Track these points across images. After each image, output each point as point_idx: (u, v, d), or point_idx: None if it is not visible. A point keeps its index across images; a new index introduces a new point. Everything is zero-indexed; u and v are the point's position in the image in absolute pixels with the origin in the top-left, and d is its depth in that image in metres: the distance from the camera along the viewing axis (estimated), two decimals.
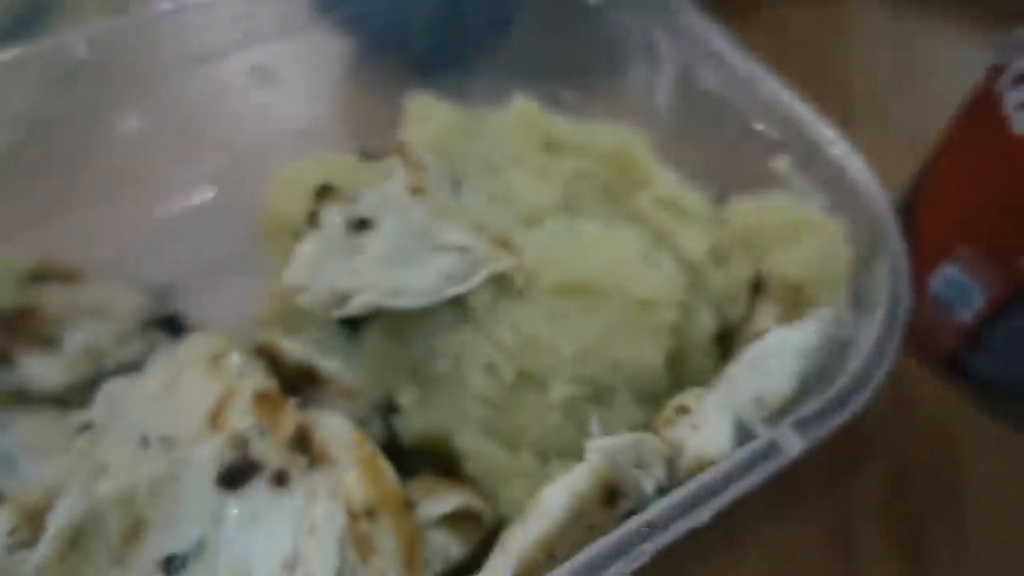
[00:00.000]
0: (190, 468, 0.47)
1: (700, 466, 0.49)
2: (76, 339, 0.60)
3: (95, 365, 0.59)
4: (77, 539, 0.43)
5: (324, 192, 0.57)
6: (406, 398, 0.57)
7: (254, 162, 0.70)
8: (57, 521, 0.43)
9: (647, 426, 0.53)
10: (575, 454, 0.54)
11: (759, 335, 0.59)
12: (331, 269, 0.54)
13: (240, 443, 0.48)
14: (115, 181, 0.69)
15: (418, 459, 0.57)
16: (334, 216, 0.56)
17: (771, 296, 0.61)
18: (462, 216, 0.57)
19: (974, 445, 0.65)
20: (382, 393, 0.59)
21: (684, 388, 0.56)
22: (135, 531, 0.45)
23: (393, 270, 0.54)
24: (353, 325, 0.54)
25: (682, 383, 0.57)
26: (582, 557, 0.43)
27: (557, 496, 0.45)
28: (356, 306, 0.52)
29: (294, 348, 0.59)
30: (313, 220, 0.56)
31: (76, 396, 0.59)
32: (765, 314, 0.61)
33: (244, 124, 0.74)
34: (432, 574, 0.49)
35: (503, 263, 0.55)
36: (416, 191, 0.57)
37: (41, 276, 0.63)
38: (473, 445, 0.55)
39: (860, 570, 0.60)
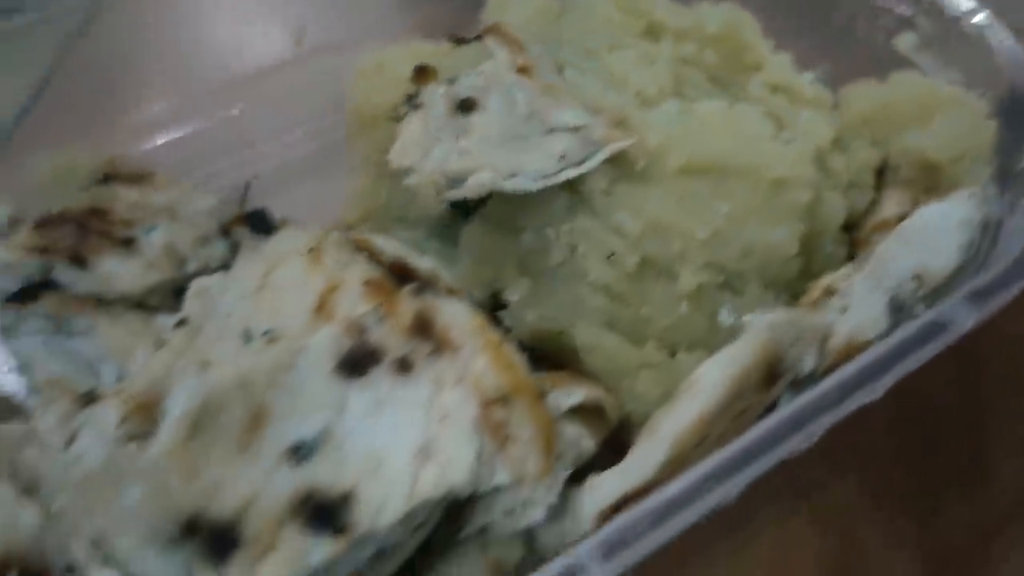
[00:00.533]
0: (307, 356, 0.43)
1: (852, 348, 0.46)
2: (154, 240, 0.55)
3: (175, 267, 0.55)
4: (197, 427, 0.39)
5: (423, 72, 0.52)
6: (517, 292, 0.53)
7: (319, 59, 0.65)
8: (176, 408, 0.39)
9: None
10: (707, 345, 0.51)
11: (889, 223, 0.55)
12: (440, 150, 0.49)
13: (358, 330, 0.44)
14: (179, 81, 0.64)
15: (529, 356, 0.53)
16: (436, 96, 0.51)
17: (901, 181, 0.57)
18: (573, 96, 0.53)
19: None
20: (484, 290, 0.55)
21: (814, 277, 0.52)
22: (256, 420, 0.41)
23: (504, 151, 0.50)
24: (464, 210, 0.50)
25: (812, 272, 0.53)
26: (753, 434, 0.39)
27: (717, 373, 0.41)
28: (472, 187, 0.48)
29: (388, 245, 0.55)
30: (414, 101, 0.51)
31: (156, 300, 0.55)
32: (894, 200, 0.57)
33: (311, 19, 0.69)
34: (565, 467, 0.46)
35: (623, 142, 0.50)
36: (522, 70, 0.53)
37: (110, 177, 0.59)
38: (593, 338, 0.51)
39: None
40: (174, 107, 0.65)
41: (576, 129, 0.51)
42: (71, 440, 0.43)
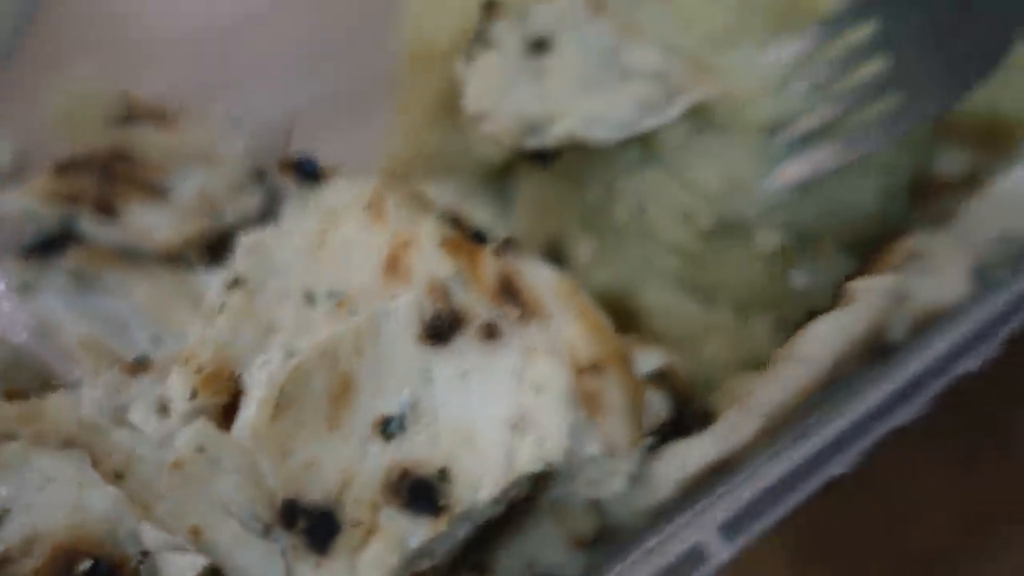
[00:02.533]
0: (389, 322, 0.40)
1: (934, 314, 0.45)
2: (187, 187, 0.51)
3: (211, 218, 0.51)
4: (285, 402, 0.36)
5: (493, 6, 0.48)
6: (583, 250, 0.50)
7: None
8: (263, 381, 0.36)
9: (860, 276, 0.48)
10: (777, 308, 0.50)
11: (950, 182, 0.54)
12: (516, 94, 0.46)
13: (442, 293, 0.41)
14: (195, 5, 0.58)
15: None
16: (508, 34, 0.47)
17: (962, 139, 0.55)
18: (649, 36, 0.49)
19: None
20: (542, 246, 0.52)
21: (885, 238, 0.51)
22: (343, 392, 0.38)
23: (585, 96, 0.46)
24: (544, 159, 0.47)
25: (883, 233, 0.52)
26: (863, 404, 0.38)
27: (829, 339, 0.40)
28: (555, 135, 0.45)
29: (441, 195, 0.52)
30: (483, 39, 0.47)
31: (192, 254, 0.51)
32: (952, 159, 0.56)
33: None
34: (647, 435, 0.44)
35: (707, 90, 0.47)
36: (597, 6, 0.49)
37: (133, 116, 0.53)
38: (664, 301, 0.49)
39: None
40: (187, 37, 0.58)
41: (656, 74, 0.48)
42: (122, 413, 0.40)
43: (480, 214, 0.53)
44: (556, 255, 0.52)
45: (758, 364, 0.46)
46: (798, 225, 0.49)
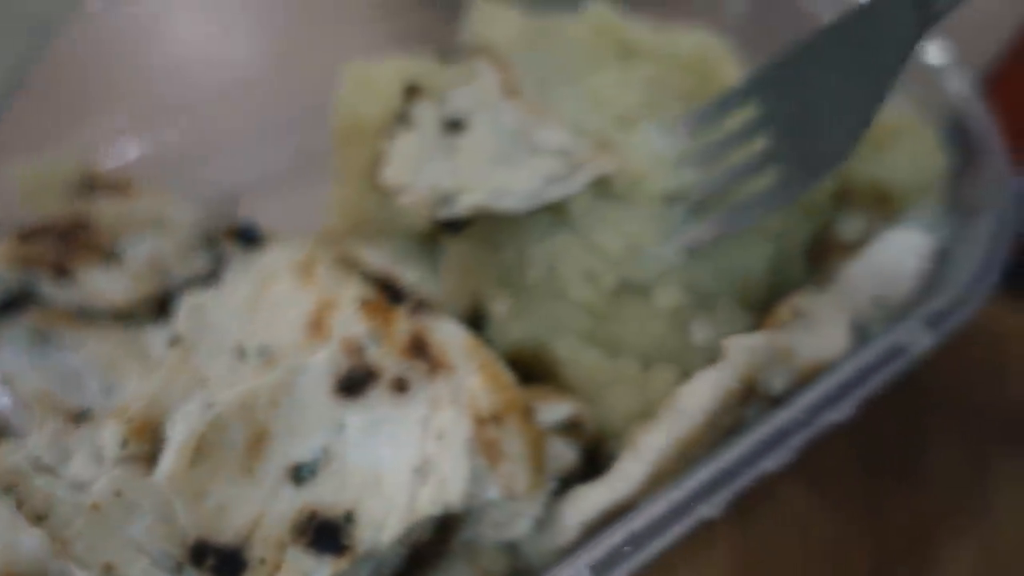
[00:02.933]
0: (305, 377, 0.44)
1: (817, 367, 0.49)
2: (139, 252, 0.55)
3: (161, 279, 0.55)
4: (202, 449, 0.40)
5: (414, 90, 0.53)
6: (500, 307, 0.55)
7: (298, 68, 0.65)
8: (182, 430, 0.40)
9: (751, 332, 0.53)
10: (679, 360, 0.53)
11: (845, 245, 0.59)
12: (431, 169, 0.51)
13: (355, 350, 0.45)
14: (154, 90, 0.63)
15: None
16: (427, 116, 0.52)
17: (855, 205, 0.60)
18: (557, 117, 0.54)
19: None
20: (465, 303, 0.57)
21: (779, 295, 0.55)
22: (258, 441, 0.42)
23: (494, 171, 0.51)
24: (455, 227, 0.52)
25: (779, 292, 0.56)
26: (735, 452, 0.42)
27: (702, 394, 0.44)
28: (464, 205, 0.49)
29: (375, 258, 0.56)
30: (405, 119, 0.52)
31: (142, 313, 0.55)
32: (849, 224, 0.60)
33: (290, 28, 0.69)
34: (550, 480, 0.48)
35: (606, 165, 0.52)
36: (510, 91, 0.54)
37: (90, 186, 0.58)
38: (573, 353, 0.53)
39: None
40: (149, 116, 0.64)
41: (561, 151, 0.53)
42: (65, 460, 0.43)
43: (410, 274, 0.57)
44: (478, 312, 0.56)
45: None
46: (695, 285, 0.54)
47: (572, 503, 0.48)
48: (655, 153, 0.54)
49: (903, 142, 0.59)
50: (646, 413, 0.51)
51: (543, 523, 0.48)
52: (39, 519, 0.36)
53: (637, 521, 0.40)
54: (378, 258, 0.56)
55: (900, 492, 0.62)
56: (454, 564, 0.48)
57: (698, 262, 0.53)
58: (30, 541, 0.39)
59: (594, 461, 0.54)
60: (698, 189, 0.53)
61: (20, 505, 0.36)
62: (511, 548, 0.49)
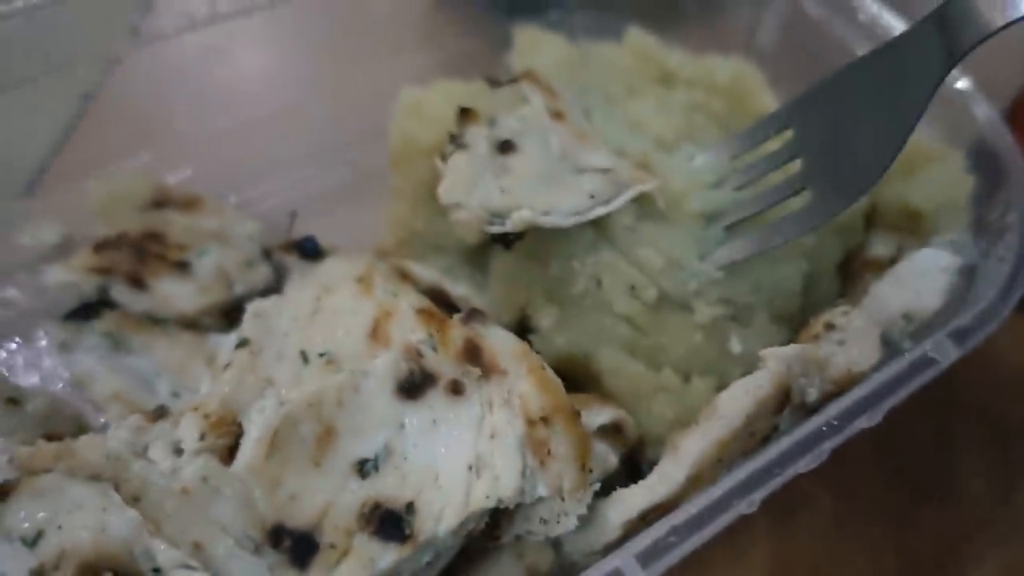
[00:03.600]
0: (369, 379, 0.47)
1: (850, 379, 0.51)
2: (206, 263, 0.59)
3: (226, 289, 0.59)
4: (276, 443, 0.43)
5: (467, 114, 0.57)
6: (546, 319, 0.58)
7: (352, 93, 0.69)
8: (259, 425, 0.43)
9: (786, 345, 0.55)
10: (716, 371, 0.56)
11: (877, 262, 0.61)
12: (483, 187, 0.54)
13: (415, 355, 0.48)
14: (217, 112, 0.68)
15: None
16: (479, 137, 0.56)
17: (887, 225, 0.63)
18: (601, 140, 0.58)
19: None
20: (512, 315, 0.60)
21: (813, 309, 0.58)
22: (326, 437, 0.45)
23: (542, 190, 0.55)
24: (505, 242, 0.55)
25: (812, 306, 0.59)
26: (770, 453, 0.45)
27: (738, 400, 0.47)
28: (515, 222, 0.53)
29: (425, 272, 0.60)
30: (458, 140, 0.56)
31: (208, 320, 0.59)
32: (881, 243, 0.63)
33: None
34: (594, 481, 0.50)
35: (647, 184, 0.56)
36: (556, 115, 0.58)
37: (161, 202, 0.62)
38: (615, 363, 0.56)
39: None
40: (212, 136, 0.68)
41: (604, 171, 0.56)
42: (144, 451, 0.47)
43: (460, 288, 0.60)
44: (524, 324, 0.59)
45: None
46: (732, 300, 0.56)
47: (614, 504, 0.50)
48: (694, 174, 0.57)
49: (932, 166, 0.61)
50: (685, 421, 0.54)
51: (587, 522, 0.50)
52: (135, 500, 0.39)
53: (680, 515, 0.43)
54: (428, 273, 0.60)
55: (929, 503, 0.64)
56: (502, 559, 0.51)
57: (735, 278, 0.56)
58: (118, 523, 0.43)
59: (635, 466, 0.56)
60: (735, 209, 0.56)
61: (118, 487, 0.39)
62: (556, 545, 0.52)
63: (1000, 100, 0.64)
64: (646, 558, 0.42)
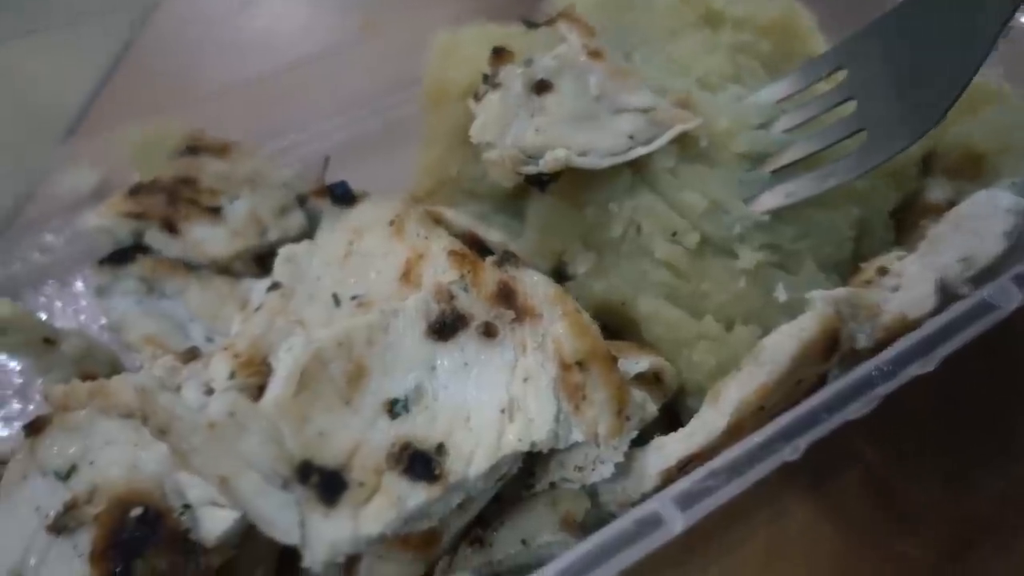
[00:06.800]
0: (399, 319, 0.46)
1: (904, 326, 0.49)
2: (239, 209, 0.59)
3: (258, 235, 0.59)
4: (304, 382, 0.43)
5: (501, 54, 0.55)
6: (583, 265, 0.56)
7: (384, 40, 0.68)
8: (287, 362, 0.43)
9: None
10: (760, 319, 0.54)
11: (936, 207, 0.58)
12: (517, 127, 0.52)
13: (447, 296, 0.47)
14: (249, 59, 0.67)
15: None
16: (513, 77, 0.54)
17: (945, 169, 0.60)
18: (640, 79, 0.56)
19: None
20: (549, 261, 0.58)
21: (864, 258, 0.55)
22: (356, 376, 0.44)
23: (578, 130, 0.53)
24: (540, 184, 0.53)
25: (863, 253, 0.56)
26: (818, 398, 0.43)
27: (784, 344, 0.45)
28: (549, 162, 0.51)
29: (459, 217, 0.58)
30: (492, 80, 0.54)
31: (240, 265, 0.59)
32: (939, 187, 0.60)
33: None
34: (632, 429, 0.49)
35: (690, 123, 0.53)
36: (594, 54, 0.56)
37: (195, 148, 0.62)
38: (655, 310, 0.54)
39: None
40: (245, 83, 0.67)
41: (644, 110, 0.54)
42: (178, 390, 0.46)
43: (495, 234, 0.59)
44: (561, 270, 0.58)
45: None
46: (779, 246, 0.54)
47: (651, 453, 0.49)
48: (740, 114, 0.54)
49: (995, 106, 0.58)
50: (727, 370, 0.52)
51: (623, 471, 0.49)
52: (162, 433, 0.39)
53: (720, 460, 0.41)
54: (462, 218, 0.58)
55: (987, 466, 0.61)
56: (537, 507, 0.50)
57: (781, 223, 0.53)
58: (149, 459, 0.43)
59: (675, 416, 0.54)
60: (784, 152, 0.53)
61: (145, 420, 0.39)
62: (592, 494, 0.50)
63: None
64: (684, 501, 0.40)
